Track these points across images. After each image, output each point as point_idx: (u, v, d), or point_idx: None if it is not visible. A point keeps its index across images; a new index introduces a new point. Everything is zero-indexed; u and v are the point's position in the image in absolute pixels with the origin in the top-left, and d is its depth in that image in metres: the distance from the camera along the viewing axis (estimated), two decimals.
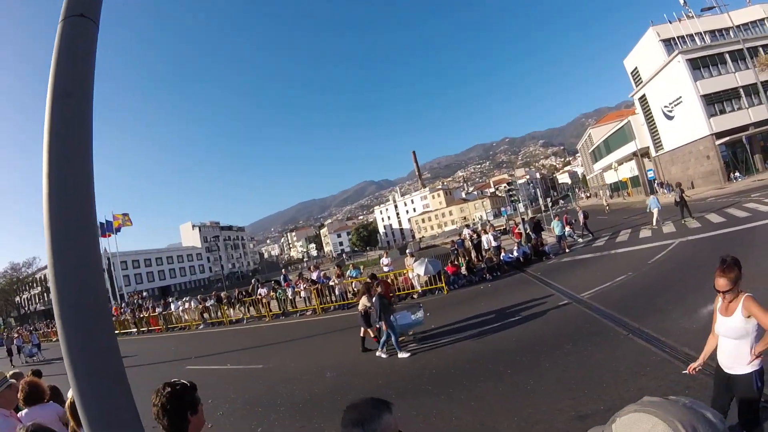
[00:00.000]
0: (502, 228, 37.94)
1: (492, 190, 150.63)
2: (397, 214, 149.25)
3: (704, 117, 34.08)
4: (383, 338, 9.05)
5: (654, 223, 18.96)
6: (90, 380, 1.47)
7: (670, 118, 38.95)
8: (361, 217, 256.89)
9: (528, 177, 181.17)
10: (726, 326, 3.43)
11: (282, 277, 20.47)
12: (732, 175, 33.25)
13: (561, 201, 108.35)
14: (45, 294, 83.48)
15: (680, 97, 36.44)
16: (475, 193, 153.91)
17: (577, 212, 23.91)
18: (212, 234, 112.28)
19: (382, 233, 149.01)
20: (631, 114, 48.11)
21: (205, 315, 21.28)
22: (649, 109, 42.26)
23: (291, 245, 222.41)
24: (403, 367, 8.07)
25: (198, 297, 22.89)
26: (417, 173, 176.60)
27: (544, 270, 15.41)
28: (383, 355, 8.93)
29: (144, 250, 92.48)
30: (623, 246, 16.07)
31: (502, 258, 18.18)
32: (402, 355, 8.68)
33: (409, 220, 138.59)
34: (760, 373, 3.34)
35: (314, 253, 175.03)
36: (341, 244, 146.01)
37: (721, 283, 3.39)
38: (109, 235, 39.36)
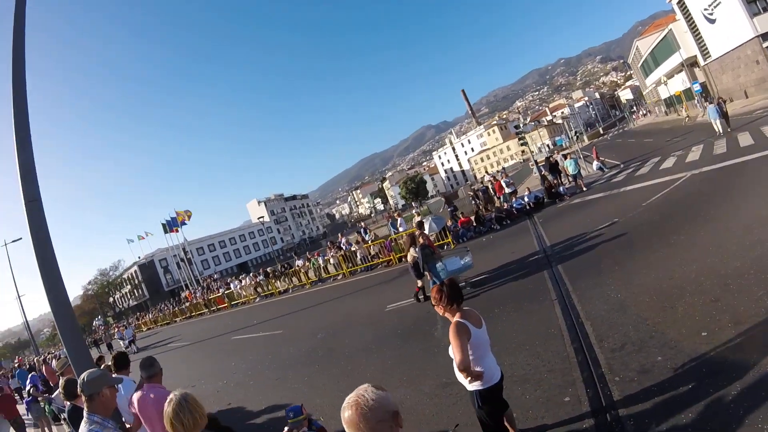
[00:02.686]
0: (542, 163, 36.31)
1: (549, 117, 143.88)
2: (456, 156, 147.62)
3: (746, 17, 30.22)
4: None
5: (718, 132, 19.34)
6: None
7: (711, 21, 34.79)
8: (424, 163, 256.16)
9: (586, 99, 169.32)
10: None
11: (362, 229, 21.81)
12: None
13: (616, 124, 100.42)
14: (135, 290, 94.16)
15: None
16: (532, 123, 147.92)
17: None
18: (278, 206, 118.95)
19: (443, 176, 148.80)
20: (672, 21, 43.39)
21: (258, 289, 24.26)
22: (689, 14, 37.81)
23: (358, 203, 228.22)
24: (382, 326, 9.41)
25: (251, 274, 25.85)
26: (470, 112, 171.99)
27: (548, 216, 15.81)
28: None
29: (217, 233, 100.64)
30: (639, 181, 15.43)
31: (513, 204, 18.77)
32: None
33: (468, 160, 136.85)
34: (481, 395, 3.28)
35: (380, 207, 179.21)
36: None
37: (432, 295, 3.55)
38: (177, 230, 44.33)
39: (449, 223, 18.06)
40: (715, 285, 5.48)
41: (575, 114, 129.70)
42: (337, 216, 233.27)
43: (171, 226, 43.40)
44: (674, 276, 6.22)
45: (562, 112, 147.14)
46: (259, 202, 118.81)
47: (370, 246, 18.87)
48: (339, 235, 22.39)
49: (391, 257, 17.74)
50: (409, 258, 10.17)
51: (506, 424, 3.76)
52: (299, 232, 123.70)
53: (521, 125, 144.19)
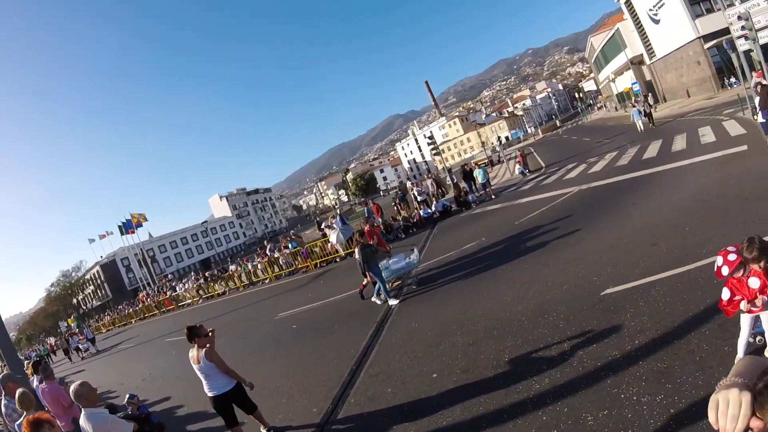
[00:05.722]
0: (484, 162, 34.81)
1: (510, 109, 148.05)
2: (419, 147, 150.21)
3: (688, 18, 31.66)
4: (376, 287, 9.45)
5: (641, 130, 22.96)
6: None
7: (656, 22, 36.59)
8: (392, 152, 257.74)
9: (549, 90, 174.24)
10: None
11: (339, 218, 19.83)
12: (727, 81, 30.87)
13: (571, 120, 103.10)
14: (98, 290, 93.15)
15: None
16: (494, 114, 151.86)
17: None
18: (240, 201, 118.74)
19: (406, 167, 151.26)
20: (620, 20, 45.74)
21: (200, 291, 26.10)
22: (636, 14, 39.69)
23: (323, 194, 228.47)
24: (272, 330, 11.37)
25: (193, 278, 27.74)
26: (434, 103, 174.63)
27: (444, 228, 16.76)
28: (377, 301, 9.38)
29: (179, 230, 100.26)
30: (539, 192, 16.04)
31: (421, 213, 19.87)
32: (392, 302, 9.03)
33: (430, 152, 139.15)
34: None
35: (345, 198, 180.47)
36: None
37: None
38: (133, 232, 45.57)
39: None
40: (486, 327, 5.75)
41: (536, 106, 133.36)
42: (305, 207, 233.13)
43: (127, 227, 44.69)
44: (467, 312, 6.59)
45: (524, 104, 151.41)
46: (221, 197, 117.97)
47: (289, 254, 20.78)
48: (265, 242, 24.39)
49: (308, 264, 19.77)
50: (356, 256, 10.02)
51: (256, 420, 5.21)
52: (261, 226, 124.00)
53: (483, 116, 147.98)
